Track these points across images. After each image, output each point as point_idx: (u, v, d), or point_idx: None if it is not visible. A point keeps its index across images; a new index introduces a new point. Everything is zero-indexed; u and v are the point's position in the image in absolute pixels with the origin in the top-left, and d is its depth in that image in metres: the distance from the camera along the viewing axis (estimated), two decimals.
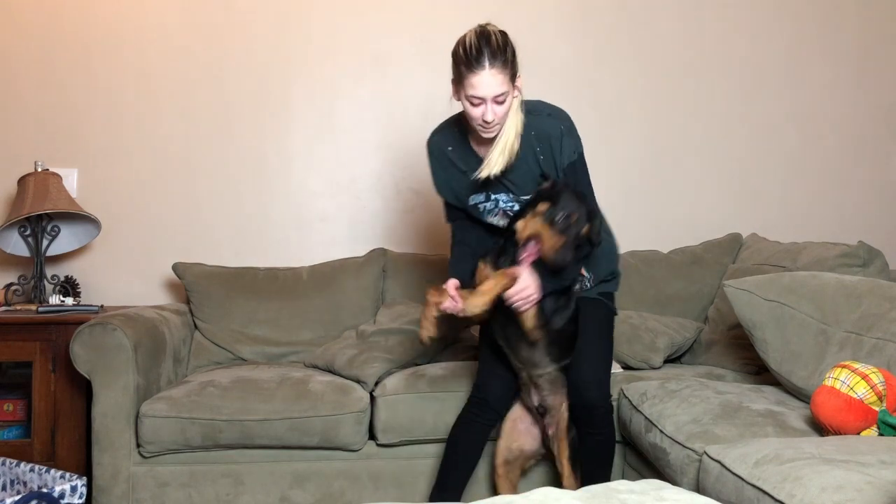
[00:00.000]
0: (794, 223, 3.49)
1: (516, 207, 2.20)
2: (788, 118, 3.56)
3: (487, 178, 2.14)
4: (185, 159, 3.31)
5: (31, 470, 2.21)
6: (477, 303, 2.03)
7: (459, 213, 2.31)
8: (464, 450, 2.27)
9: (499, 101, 2.04)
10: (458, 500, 2.21)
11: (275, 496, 2.46)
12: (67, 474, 2.13)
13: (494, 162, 2.11)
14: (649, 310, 3.02)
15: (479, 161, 2.18)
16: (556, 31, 3.46)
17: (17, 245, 3.09)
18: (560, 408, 2.24)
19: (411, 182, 3.40)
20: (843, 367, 1.88)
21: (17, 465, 2.26)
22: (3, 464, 2.29)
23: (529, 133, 2.13)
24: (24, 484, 2.22)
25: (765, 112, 3.54)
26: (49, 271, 3.13)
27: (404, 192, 3.41)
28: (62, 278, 3.14)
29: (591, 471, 2.21)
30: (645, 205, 3.48)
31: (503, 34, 2.12)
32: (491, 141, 2.14)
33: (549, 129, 2.15)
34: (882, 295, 2.12)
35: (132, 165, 3.29)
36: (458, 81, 2.11)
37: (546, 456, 2.37)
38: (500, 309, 2.08)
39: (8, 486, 2.28)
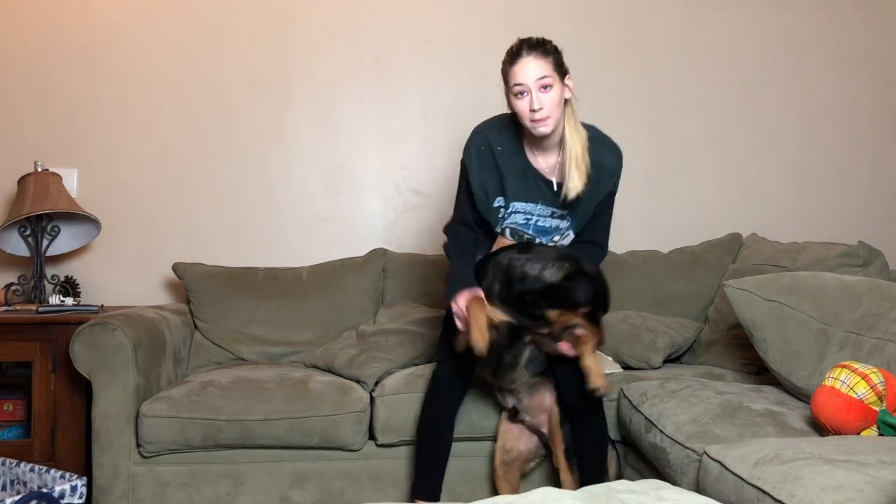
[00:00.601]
0: (794, 223, 3.49)
1: (547, 223, 2.18)
2: (789, 118, 3.56)
3: (532, 186, 2.14)
4: (185, 159, 3.31)
5: (31, 470, 2.21)
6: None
7: (472, 218, 2.21)
8: (434, 431, 2.28)
9: (543, 85, 2.03)
10: (440, 478, 2.25)
11: (275, 496, 2.46)
12: (67, 474, 2.13)
13: (571, 177, 2.10)
14: (649, 310, 3.02)
15: (529, 169, 2.16)
16: (556, 30, 3.41)
17: (17, 245, 3.09)
18: (540, 406, 2.25)
19: (411, 182, 3.40)
20: (843, 367, 1.88)
21: (17, 465, 2.26)
22: (3, 464, 2.29)
23: (598, 164, 2.15)
24: (24, 484, 2.23)
25: (765, 112, 3.54)
26: (49, 271, 3.13)
27: (404, 192, 3.41)
28: (62, 278, 3.14)
29: (589, 461, 2.23)
30: (645, 205, 3.48)
31: (546, 39, 2.13)
32: (549, 151, 2.14)
33: (605, 159, 2.17)
34: (882, 295, 2.12)
35: (132, 165, 3.29)
36: (506, 83, 2.11)
37: (547, 456, 2.37)
38: (500, 356, 2.13)
39: (8, 486, 2.28)
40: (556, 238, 2.21)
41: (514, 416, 2.29)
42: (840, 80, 3.58)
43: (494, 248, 2.18)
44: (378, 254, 3.16)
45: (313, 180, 3.37)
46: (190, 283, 3.02)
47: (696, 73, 3.51)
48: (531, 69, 2.03)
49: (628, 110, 3.48)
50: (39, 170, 3.06)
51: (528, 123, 2.08)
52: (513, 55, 2.08)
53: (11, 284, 3.04)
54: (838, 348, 2.10)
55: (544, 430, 2.28)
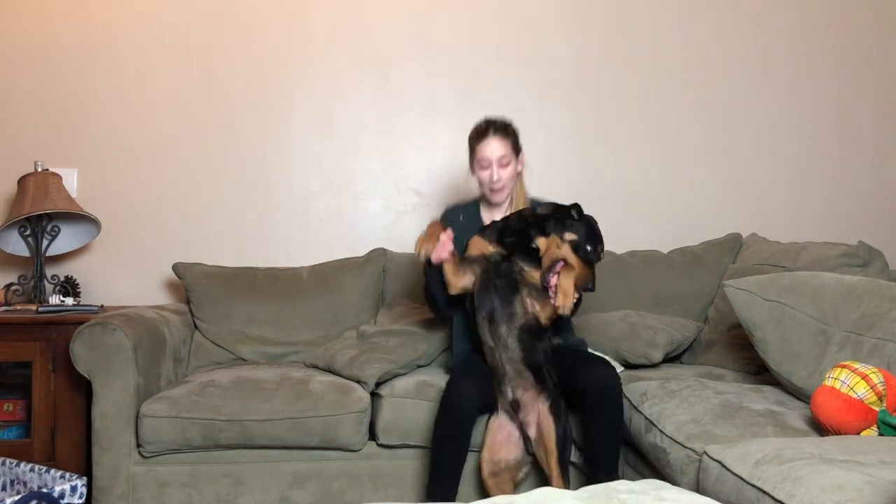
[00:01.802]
0: (794, 223, 3.49)
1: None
2: (789, 118, 3.56)
3: None
4: (185, 159, 3.31)
5: (31, 470, 2.21)
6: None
7: None
8: (453, 437, 2.27)
9: (503, 163, 2.49)
10: (456, 484, 2.26)
11: (275, 496, 2.46)
12: (67, 474, 2.13)
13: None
14: (649, 310, 3.02)
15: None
16: (557, 31, 3.46)
17: (17, 245, 3.09)
18: (533, 406, 2.26)
19: (411, 182, 3.40)
20: (843, 367, 1.88)
21: (17, 465, 2.26)
22: (3, 464, 2.29)
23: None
24: (24, 484, 2.23)
25: (765, 112, 3.54)
26: (49, 271, 3.13)
27: (404, 192, 3.41)
28: (62, 278, 3.14)
29: (598, 450, 2.24)
30: (645, 205, 3.48)
31: (506, 119, 2.58)
32: (500, 212, 2.56)
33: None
34: (882, 295, 2.12)
35: (132, 165, 3.29)
36: (472, 154, 2.55)
37: (534, 462, 2.36)
38: (493, 287, 2.29)
39: (8, 486, 2.28)
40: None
41: (516, 410, 2.29)
42: (840, 80, 3.58)
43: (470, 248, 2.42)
44: (378, 254, 3.16)
45: (313, 180, 3.37)
46: (190, 283, 3.02)
47: (696, 73, 3.51)
48: (495, 149, 2.49)
49: (628, 110, 3.48)
50: (39, 170, 3.06)
51: (487, 192, 2.55)
52: (480, 133, 2.52)
53: (11, 284, 3.04)
54: (838, 348, 2.10)
55: (530, 431, 2.28)
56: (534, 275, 2.29)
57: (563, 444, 2.24)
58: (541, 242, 2.28)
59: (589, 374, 2.26)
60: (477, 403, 2.27)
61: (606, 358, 2.47)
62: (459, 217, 2.60)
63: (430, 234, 2.33)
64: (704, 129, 3.52)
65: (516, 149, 2.55)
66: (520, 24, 3.45)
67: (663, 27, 3.49)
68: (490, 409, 2.35)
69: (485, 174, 2.51)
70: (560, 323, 2.42)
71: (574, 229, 2.25)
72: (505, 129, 2.52)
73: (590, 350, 2.64)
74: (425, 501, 2.30)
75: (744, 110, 3.53)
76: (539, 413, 2.26)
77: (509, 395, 2.29)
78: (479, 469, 2.37)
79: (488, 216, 2.60)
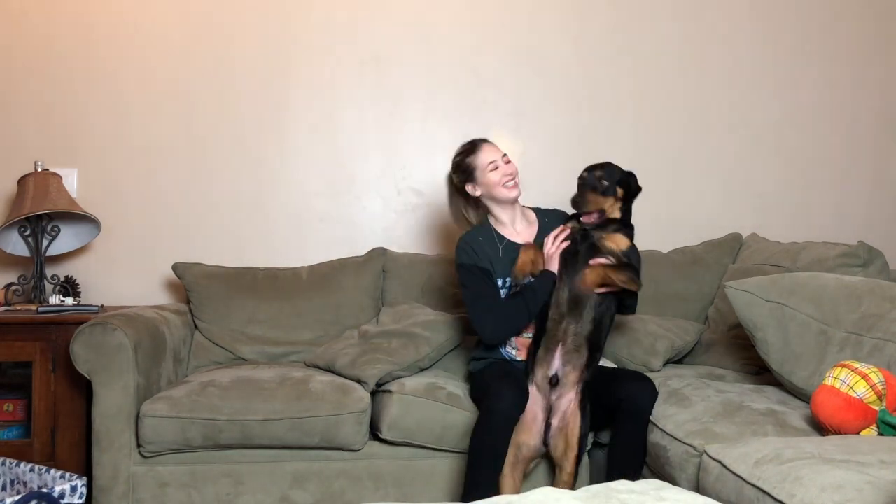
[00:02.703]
0: (794, 223, 3.49)
1: None
2: (789, 118, 3.56)
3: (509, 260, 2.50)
4: (185, 159, 3.31)
5: (31, 470, 2.21)
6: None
7: (489, 286, 2.52)
8: (492, 447, 2.25)
9: (506, 160, 2.53)
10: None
11: (275, 496, 2.46)
12: (67, 474, 2.13)
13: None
14: (649, 310, 3.02)
15: (502, 245, 2.53)
16: (556, 31, 3.46)
17: (17, 245, 3.09)
18: (570, 393, 2.27)
19: (411, 182, 3.40)
20: (844, 366, 1.88)
21: (17, 465, 2.26)
22: (3, 464, 2.29)
23: (549, 228, 2.53)
24: (24, 484, 2.23)
25: (765, 112, 3.54)
26: (49, 271, 3.13)
27: (404, 192, 3.41)
28: (62, 278, 3.14)
29: (625, 461, 2.25)
30: (645, 205, 3.45)
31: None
32: (513, 211, 2.58)
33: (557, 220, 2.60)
34: (882, 295, 2.12)
35: (132, 165, 3.29)
36: (472, 174, 2.55)
37: (545, 455, 2.36)
38: (579, 256, 2.36)
39: (8, 486, 2.28)
40: None
41: (553, 386, 2.30)
42: (840, 80, 3.58)
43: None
44: (378, 254, 3.15)
45: (313, 180, 3.37)
46: (190, 283, 3.02)
47: (696, 73, 3.51)
48: (492, 150, 2.55)
49: (628, 110, 3.48)
50: (39, 170, 3.06)
51: (502, 192, 2.52)
52: (469, 149, 2.57)
53: (11, 284, 3.04)
54: (839, 349, 2.10)
55: (554, 419, 2.28)
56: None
57: (583, 443, 2.26)
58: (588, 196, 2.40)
59: (626, 387, 2.28)
60: (518, 413, 2.25)
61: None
62: (479, 239, 2.55)
63: (526, 254, 2.41)
64: (704, 129, 3.52)
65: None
66: (520, 24, 3.45)
67: (663, 27, 3.49)
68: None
69: (496, 174, 2.50)
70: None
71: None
72: (488, 139, 2.61)
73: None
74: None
75: (744, 110, 3.53)
76: (571, 403, 2.27)
77: (555, 366, 2.30)
78: None
79: (504, 229, 2.57)
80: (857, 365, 1.87)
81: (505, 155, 2.54)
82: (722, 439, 1.94)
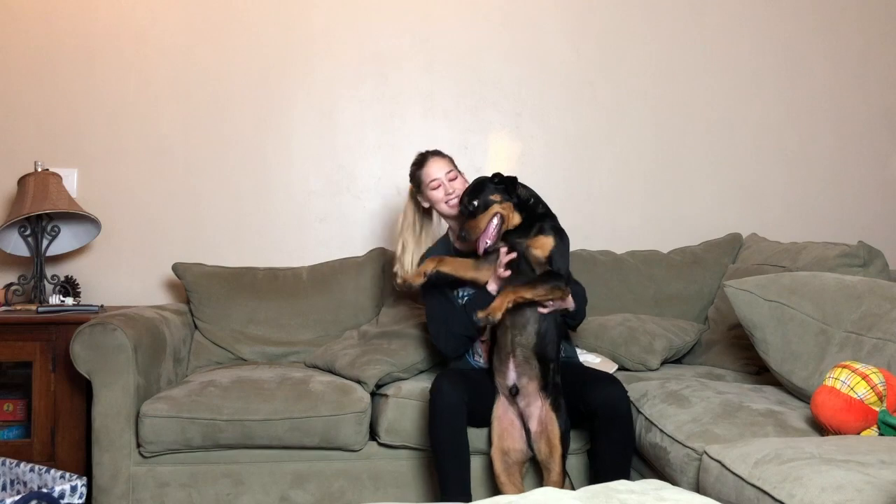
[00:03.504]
0: (794, 223, 3.49)
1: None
2: (788, 118, 3.56)
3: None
4: (185, 159, 3.31)
5: (31, 470, 2.21)
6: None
7: (446, 299, 2.49)
8: (451, 441, 2.25)
9: (451, 177, 2.55)
10: (468, 482, 2.25)
11: (275, 496, 2.46)
12: (67, 474, 2.13)
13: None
14: (649, 310, 3.02)
15: (456, 253, 2.53)
16: (557, 31, 3.46)
17: (17, 245, 3.09)
18: (536, 399, 2.25)
19: None
20: (844, 367, 1.88)
21: (17, 465, 2.26)
22: (3, 464, 2.29)
23: None
24: (24, 484, 2.22)
25: (765, 112, 3.54)
26: (49, 271, 3.13)
27: (404, 192, 3.39)
28: (62, 278, 3.14)
29: (609, 468, 2.22)
30: (645, 205, 3.48)
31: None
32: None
33: None
34: (882, 295, 2.12)
35: (132, 165, 3.29)
36: (418, 186, 2.61)
37: (532, 459, 2.34)
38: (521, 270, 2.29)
39: (8, 486, 2.28)
40: None
41: (514, 395, 2.29)
42: (840, 79, 3.58)
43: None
44: (378, 254, 3.15)
45: (313, 180, 3.37)
46: (190, 283, 3.02)
47: (696, 73, 3.51)
48: (440, 167, 2.56)
49: (628, 110, 3.48)
50: (39, 170, 3.06)
51: (444, 208, 2.56)
52: (418, 162, 2.61)
53: (11, 284, 3.04)
54: (839, 348, 2.10)
55: (532, 424, 2.28)
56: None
57: (565, 441, 2.24)
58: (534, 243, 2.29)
59: (598, 394, 2.23)
60: (461, 400, 2.24)
61: (611, 372, 2.48)
62: (439, 252, 2.55)
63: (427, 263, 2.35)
64: (704, 128, 3.52)
65: (457, 167, 2.62)
66: (520, 24, 3.45)
67: (663, 27, 3.49)
68: (477, 419, 2.33)
69: (438, 192, 2.54)
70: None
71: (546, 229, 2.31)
72: (440, 152, 2.62)
73: (580, 354, 2.67)
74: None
75: (743, 110, 3.53)
76: (541, 408, 2.26)
77: (510, 378, 2.28)
78: (489, 471, 2.35)
79: (462, 247, 2.54)
80: (857, 365, 1.87)
81: (451, 171, 2.55)
82: (722, 440, 1.94)
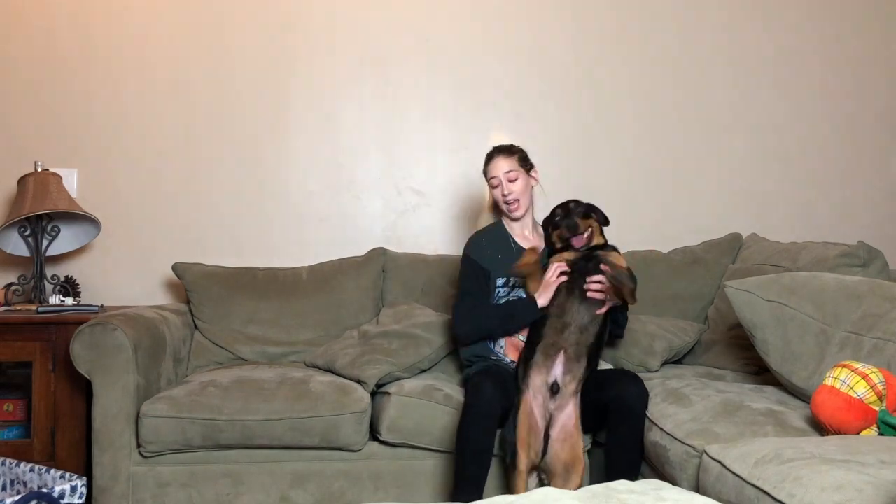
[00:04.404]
0: (794, 223, 3.49)
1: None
2: (789, 118, 3.56)
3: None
4: (185, 159, 3.31)
5: (31, 470, 2.21)
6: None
7: (479, 293, 2.58)
8: (479, 445, 2.25)
9: (510, 178, 2.59)
10: (482, 488, 2.26)
11: (275, 496, 2.46)
12: (67, 474, 2.13)
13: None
14: (649, 310, 3.02)
15: (515, 247, 2.60)
16: (557, 30, 3.46)
17: (17, 245, 3.09)
18: (569, 404, 2.27)
19: (411, 182, 3.40)
20: (844, 366, 1.88)
21: (17, 465, 2.26)
22: (3, 464, 2.29)
23: None
24: (24, 484, 2.22)
25: (765, 112, 3.54)
26: (49, 271, 3.13)
27: (404, 192, 3.41)
28: (62, 278, 3.14)
29: (620, 462, 2.25)
30: (645, 205, 3.48)
31: (513, 144, 2.70)
32: (526, 224, 2.66)
33: None
34: (882, 295, 2.12)
35: (132, 165, 3.29)
36: (486, 179, 2.67)
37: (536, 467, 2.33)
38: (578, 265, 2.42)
39: (8, 486, 2.28)
40: None
41: (555, 393, 2.30)
42: (840, 79, 3.58)
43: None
44: (378, 254, 3.15)
45: (313, 180, 3.37)
46: (190, 283, 3.02)
47: (696, 73, 3.51)
48: (500, 166, 2.61)
49: (628, 110, 3.48)
50: (39, 170, 3.06)
51: (504, 207, 2.63)
52: (487, 158, 2.66)
53: (11, 284, 3.04)
54: (838, 348, 2.10)
55: (553, 431, 2.27)
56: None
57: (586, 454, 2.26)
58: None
59: (620, 387, 2.29)
60: (500, 407, 2.25)
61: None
62: (482, 241, 2.63)
63: (530, 256, 2.49)
64: (704, 128, 3.52)
65: (525, 164, 2.64)
66: (520, 24, 3.45)
67: (663, 27, 3.49)
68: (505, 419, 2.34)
69: (496, 191, 2.61)
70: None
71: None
72: (509, 149, 2.64)
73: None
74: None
75: (744, 110, 3.53)
76: (571, 417, 2.27)
77: (555, 374, 2.29)
78: (505, 475, 2.35)
79: (514, 233, 2.65)
80: (857, 365, 1.87)
81: (512, 171, 2.59)
82: (722, 439, 1.94)
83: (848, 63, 3.59)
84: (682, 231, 3.39)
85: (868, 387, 1.81)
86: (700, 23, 3.51)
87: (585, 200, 2.56)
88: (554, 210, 2.55)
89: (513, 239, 2.64)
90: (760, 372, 2.59)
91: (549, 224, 2.54)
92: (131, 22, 3.29)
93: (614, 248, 2.53)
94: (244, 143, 3.33)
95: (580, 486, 2.19)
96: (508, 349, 2.53)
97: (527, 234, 2.66)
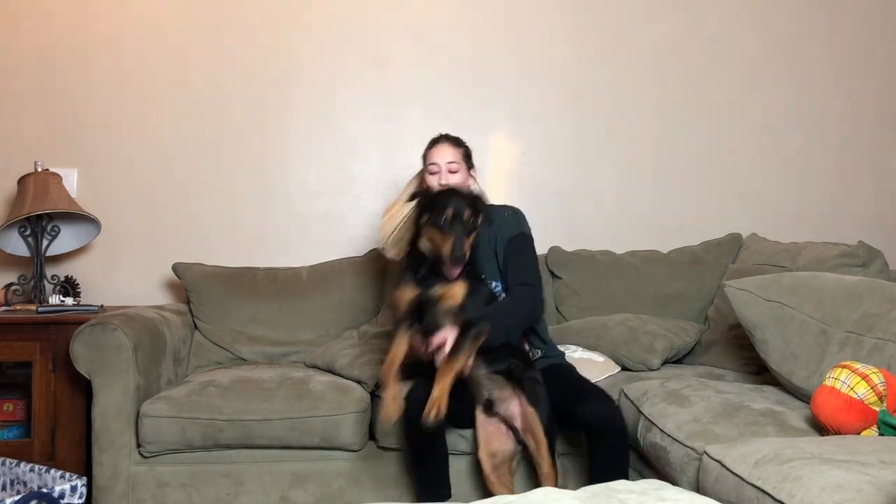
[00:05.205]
0: (794, 223, 3.49)
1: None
2: (789, 118, 3.55)
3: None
4: (184, 159, 3.31)
5: (31, 470, 2.21)
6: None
7: None
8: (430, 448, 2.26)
9: (451, 169, 2.45)
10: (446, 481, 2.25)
11: (275, 496, 2.46)
12: (67, 474, 2.13)
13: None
14: (649, 310, 3.02)
15: None
16: (557, 31, 3.46)
17: (17, 245, 3.09)
18: (509, 397, 2.25)
19: None
20: (844, 367, 1.87)
21: (17, 465, 2.26)
22: (3, 464, 2.29)
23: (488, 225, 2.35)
24: (24, 484, 2.23)
25: (765, 112, 3.54)
26: (49, 271, 3.13)
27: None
28: (62, 278, 3.14)
29: (611, 477, 2.21)
30: (645, 205, 3.48)
31: (460, 137, 2.57)
32: None
33: (498, 218, 2.44)
34: (882, 295, 2.12)
35: (132, 165, 3.29)
36: (424, 163, 2.52)
37: (523, 452, 2.33)
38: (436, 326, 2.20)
39: (8, 486, 2.28)
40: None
41: (490, 408, 2.28)
42: (840, 79, 3.58)
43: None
44: (378, 254, 3.14)
45: (313, 180, 3.37)
46: (190, 283, 3.02)
47: (696, 73, 3.51)
48: (444, 154, 2.47)
49: (628, 110, 3.48)
50: (39, 170, 3.06)
51: None
52: (432, 142, 2.53)
53: (11, 284, 3.04)
54: (839, 348, 2.10)
55: (516, 423, 2.28)
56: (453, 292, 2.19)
57: (549, 432, 2.21)
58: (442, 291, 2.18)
59: (589, 409, 2.21)
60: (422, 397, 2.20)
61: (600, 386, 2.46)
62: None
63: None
64: (704, 129, 3.51)
65: (468, 162, 2.52)
66: (520, 23, 3.45)
67: (663, 27, 3.49)
68: (464, 421, 2.33)
69: (433, 179, 2.46)
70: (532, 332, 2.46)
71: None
72: (456, 140, 2.52)
73: (584, 353, 2.65)
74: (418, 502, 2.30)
75: (744, 110, 3.53)
76: (520, 405, 2.24)
77: (484, 395, 2.28)
78: (478, 470, 2.36)
79: None
80: (857, 365, 1.87)
81: (454, 163, 2.45)
82: (722, 440, 1.94)
83: (848, 63, 3.59)
84: (682, 231, 3.38)
85: (868, 387, 1.81)
86: (700, 23, 3.51)
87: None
88: (438, 198, 2.18)
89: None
90: (761, 372, 2.59)
91: (430, 215, 2.17)
92: (131, 22, 3.29)
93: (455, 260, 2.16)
94: (244, 144, 3.33)
95: (552, 465, 2.18)
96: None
97: None
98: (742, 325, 2.37)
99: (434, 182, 2.45)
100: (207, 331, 2.98)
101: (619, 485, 1.38)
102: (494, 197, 2.80)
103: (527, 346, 2.47)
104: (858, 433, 1.82)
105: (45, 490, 2.02)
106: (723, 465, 1.75)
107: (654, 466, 2.26)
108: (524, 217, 2.51)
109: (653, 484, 1.39)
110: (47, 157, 3.16)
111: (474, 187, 2.49)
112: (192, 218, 3.31)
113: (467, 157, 2.53)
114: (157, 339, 2.65)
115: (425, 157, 2.52)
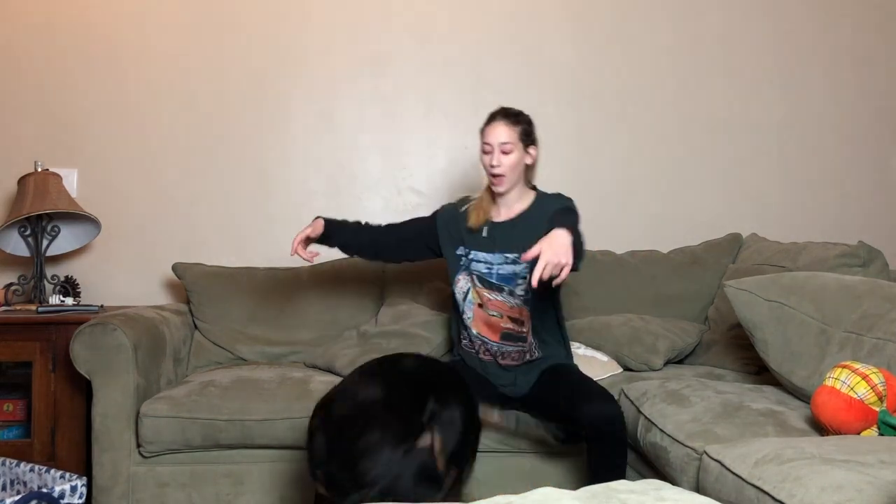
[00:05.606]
0: (794, 223, 3.49)
1: (506, 270, 2.39)
2: (788, 118, 3.55)
3: (490, 238, 2.43)
4: (185, 159, 3.31)
5: (31, 470, 2.21)
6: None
7: (398, 230, 2.57)
8: None
9: (505, 150, 2.37)
10: None
11: (275, 496, 2.46)
12: (67, 474, 2.13)
13: (515, 225, 2.41)
14: (649, 310, 3.02)
15: (488, 222, 2.45)
16: (557, 31, 3.46)
17: (17, 245, 3.09)
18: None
19: (411, 182, 3.40)
20: (844, 367, 1.87)
21: (17, 465, 2.26)
22: (3, 464, 2.29)
23: (541, 210, 2.36)
24: (24, 484, 2.22)
25: (765, 112, 3.54)
26: (49, 271, 3.13)
27: (404, 192, 3.41)
28: (62, 278, 3.14)
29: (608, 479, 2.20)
30: (645, 205, 3.48)
31: (521, 111, 2.48)
32: (503, 203, 2.45)
33: (550, 206, 2.38)
34: (882, 295, 2.12)
35: (132, 165, 3.29)
36: (480, 139, 2.44)
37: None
38: None
39: (8, 486, 2.28)
40: (519, 283, 2.39)
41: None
42: (840, 79, 3.58)
43: None
44: None
45: (313, 180, 3.37)
46: (190, 283, 3.02)
47: (696, 73, 3.51)
48: (498, 134, 2.38)
49: (628, 110, 3.48)
50: (39, 170, 3.06)
51: (488, 178, 2.42)
52: (489, 118, 2.44)
53: (11, 284, 3.04)
54: (839, 348, 2.10)
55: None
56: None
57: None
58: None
59: (591, 410, 2.19)
60: None
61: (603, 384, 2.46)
62: (459, 210, 2.54)
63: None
64: (704, 129, 3.51)
65: (526, 140, 2.41)
66: (520, 23, 3.45)
67: (663, 27, 3.49)
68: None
69: (486, 158, 2.39)
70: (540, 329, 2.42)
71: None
72: (515, 117, 2.42)
73: (588, 351, 2.64)
74: None
75: (744, 110, 3.53)
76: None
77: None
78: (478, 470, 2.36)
79: (497, 212, 2.46)
80: (857, 365, 1.87)
81: (508, 143, 2.36)
82: (722, 440, 1.93)
83: (848, 63, 3.59)
84: (682, 231, 3.38)
85: (868, 387, 1.81)
86: (699, 22, 3.51)
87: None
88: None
89: (486, 209, 2.45)
90: (760, 372, 2.59)
91: None
92: (131, 22, 3.29)
93: None
94: (244, 143, 3.33)
95: None
96: (477, 325, 2.47)
97: (503, 210, 2.45)
98: (742, 325, 2.37)
99: (486, 161, 2.38)
100: (207, 331, 2.98)
101: (620, 485, 1.38)
102: None
103: (532, 342, 2.43)
104: (858, 433, 1.82)
105: (45, 490, 2.02)
106: (723, 465, 1.75)
107: (654, 466, 2.26)
108: (573, 202, 2.42)
109: (653, 484, 1.39)
110: (47, 157, 3.16)
111: (534, 167, 2.44)
112: (192, 218, 3.31)
113: (526, 133, 2.41)
114: (157, 339, 2.65)
115: (482, 132, 2.43)
